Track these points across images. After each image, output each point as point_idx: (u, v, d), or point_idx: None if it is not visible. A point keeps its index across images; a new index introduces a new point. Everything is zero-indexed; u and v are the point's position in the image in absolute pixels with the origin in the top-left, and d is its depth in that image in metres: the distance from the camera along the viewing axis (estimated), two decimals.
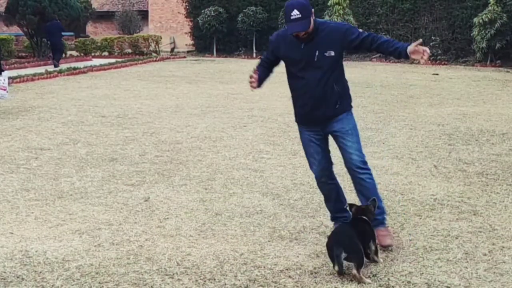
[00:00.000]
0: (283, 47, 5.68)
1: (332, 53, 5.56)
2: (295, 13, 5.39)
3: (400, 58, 5.95)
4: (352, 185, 7.75)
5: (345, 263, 5.01)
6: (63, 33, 28.08)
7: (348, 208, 5.62)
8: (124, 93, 17.32)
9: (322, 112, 5.66)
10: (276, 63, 5.88)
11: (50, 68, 24.58)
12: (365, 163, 5.74)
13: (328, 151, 5.89)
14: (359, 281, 4.93)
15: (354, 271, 4.93)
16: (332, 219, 6.16)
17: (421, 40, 5.67)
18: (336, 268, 4.99)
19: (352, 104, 5.89)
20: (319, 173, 5.89)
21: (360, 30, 5.69)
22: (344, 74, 5.83)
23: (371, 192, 5.74)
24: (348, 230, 5.24)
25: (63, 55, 28.85)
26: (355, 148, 5.71)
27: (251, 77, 5.72)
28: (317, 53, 5.53)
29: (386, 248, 5.61)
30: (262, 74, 5.80)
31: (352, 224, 5.36)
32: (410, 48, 5.47)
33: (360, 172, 5.73)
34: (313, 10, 5.48)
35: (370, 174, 5.78)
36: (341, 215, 6.03)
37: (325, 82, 5.61)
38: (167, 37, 41.04)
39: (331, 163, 5.93)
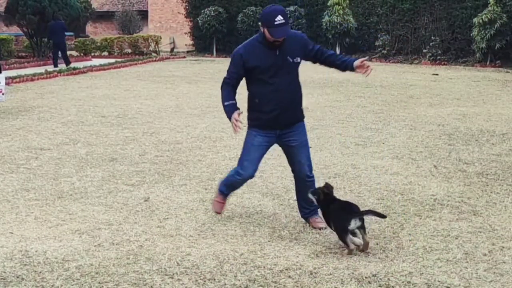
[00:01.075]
0: (254, 57, 5.89)
1: (298, 60, 5.98)
2: (280, 18, 5.65)
3: (344, 71, 6.32)
4: (351, 185, 7.78)
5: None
6: (66, 33, 28.13)
7: (313, 194, 6.00)
8: (124, 93, 17.32)
9: (289, 115, 6.02)
10: (243, 77, 6.09)
11: (50, 68, 24.59)
12: (312, 170, 6.26)
13: None
14: (368, 243, 5.54)
15: (366, 238, 5.56)
16: (225, 193, 6.50)
17: (367, 57, 6.09)
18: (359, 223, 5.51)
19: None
20: (251, 175, 6.22)
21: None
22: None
23: None
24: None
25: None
26: (306, 159, 6.17)
27: (237, 120, 6.02)
28: (288, 59, 5.86)
29: (320, 229, 6.15)
30: (234, 99, 6.16)
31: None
32: (356, 62, 5.97)
33: (308, 180, 6.25)
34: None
35: (314, 179, 6.32)
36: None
37: (294, 87, 6.01)
38: (167, 37, 41.01)
39: None
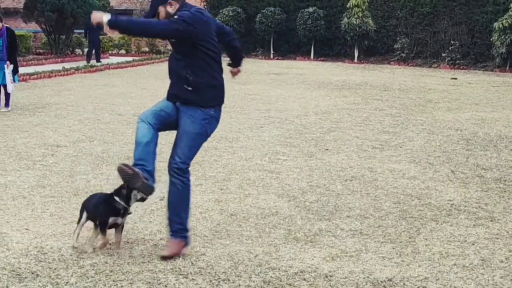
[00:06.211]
0: None
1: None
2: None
3: None
4: (368, 188, 7.73)
5: None
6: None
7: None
8: (141, 91, 17.36)
9: (175, 90, 5.55)
10: None
11: (68, 65, 24.73)
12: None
13: None
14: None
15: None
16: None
17: None
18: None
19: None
20: (143, 119, 5.57)
21: (176, 17, 5.30)
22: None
23: None
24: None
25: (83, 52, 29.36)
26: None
27: None
28: None
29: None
30: None
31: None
32: None
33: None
34: (170, 1, 5.40)
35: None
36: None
37: (180, 64, 5.49)
38: None
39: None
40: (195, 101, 5.41)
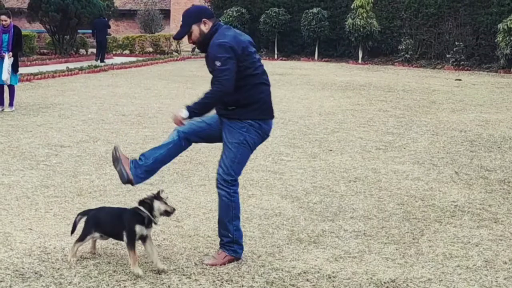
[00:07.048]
0: None
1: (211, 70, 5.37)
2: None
3: None
4: (371, 190, 7.72)
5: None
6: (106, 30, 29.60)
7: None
8: (145, 92, 17.36)
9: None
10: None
11: (72, 65, 24.77)
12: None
13: None
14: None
15: None
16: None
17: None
18: None
19: None
20: (179, 131, 5.67)
21: (219, 64, 5.22)
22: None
23: None
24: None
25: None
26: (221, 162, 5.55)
27: None
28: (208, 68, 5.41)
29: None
30: None
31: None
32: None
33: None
34: (204, 19, 5.46)
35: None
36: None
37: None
38: None
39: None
40: (233, 115, 5.39)
